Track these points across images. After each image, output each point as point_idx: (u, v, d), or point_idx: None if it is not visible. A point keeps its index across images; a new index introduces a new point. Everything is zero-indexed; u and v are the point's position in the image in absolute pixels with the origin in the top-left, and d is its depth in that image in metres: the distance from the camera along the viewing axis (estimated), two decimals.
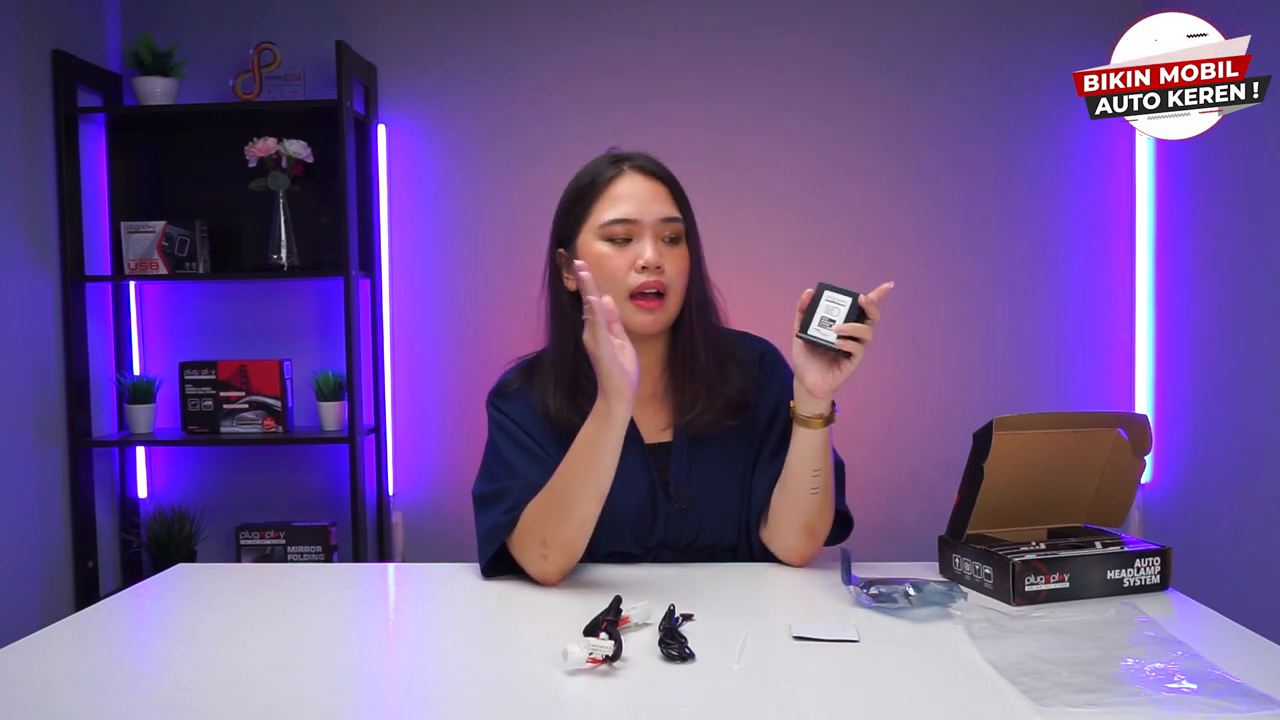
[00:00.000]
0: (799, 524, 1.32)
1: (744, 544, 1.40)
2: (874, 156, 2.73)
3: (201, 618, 1.22)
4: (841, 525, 1.38)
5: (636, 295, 1.31)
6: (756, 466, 1.39)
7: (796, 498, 1.31)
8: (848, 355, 1.24)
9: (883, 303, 1.25)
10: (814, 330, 1.25)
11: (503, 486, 1.32)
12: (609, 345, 1.18)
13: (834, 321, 1.24)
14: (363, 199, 2.69)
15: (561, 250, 1.39)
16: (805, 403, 1.28)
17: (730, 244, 2.59)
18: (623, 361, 1.20)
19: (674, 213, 1.34)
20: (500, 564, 1.30)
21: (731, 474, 1.39)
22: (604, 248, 1.33)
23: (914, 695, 0.92)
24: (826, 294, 1.25)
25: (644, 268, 1.30)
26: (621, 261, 1.32)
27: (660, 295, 1.31)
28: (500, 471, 1.35)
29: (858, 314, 1.23)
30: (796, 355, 1.28)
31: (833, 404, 1.29)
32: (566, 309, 1.37)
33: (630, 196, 1.33)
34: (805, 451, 1.29)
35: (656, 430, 1.40)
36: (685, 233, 1.35)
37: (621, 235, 1.32)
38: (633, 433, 1.37)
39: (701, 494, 1.38)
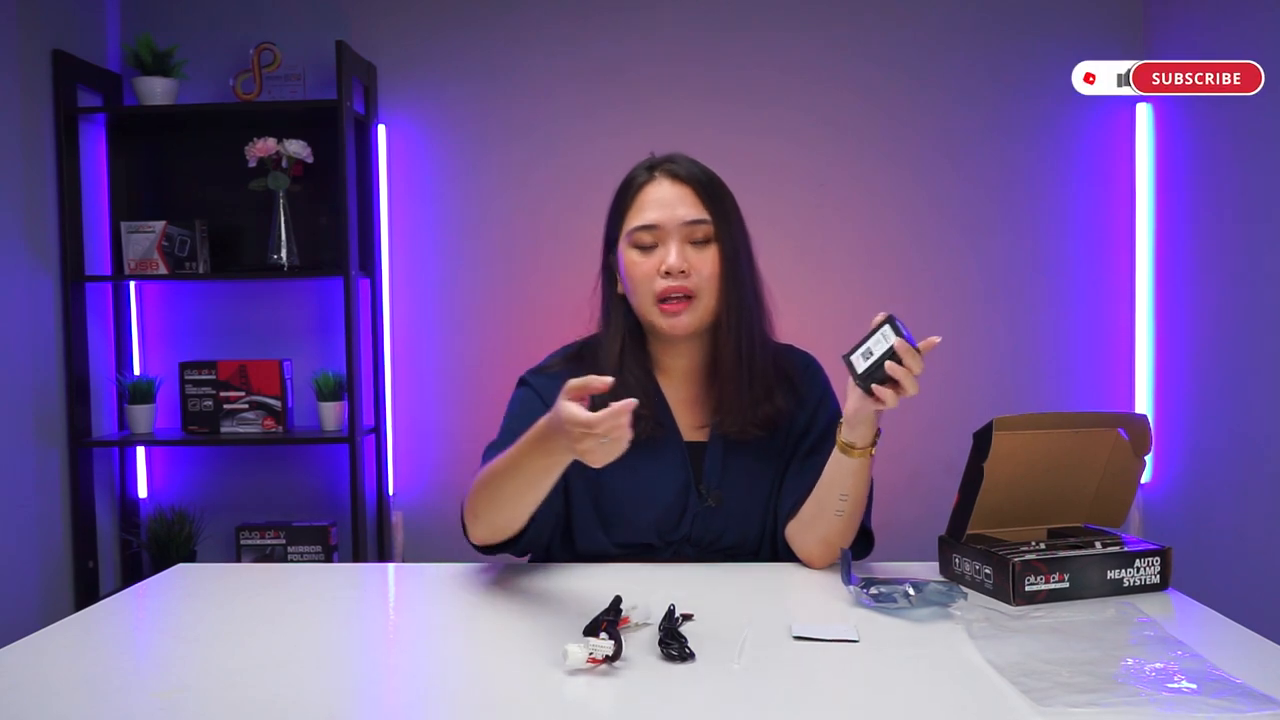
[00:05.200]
0: (819, 536, 1.33)
1: (766, 547, 1.41)
2: (874, 156, 2.73)
3: (201, 618, 1.22)
4: (863, 542, 1.38)
5: (662, 299, 1.33)
6: (789, 469, 1.40)
7: (822, 511, 1.31)
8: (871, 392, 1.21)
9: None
10: (853, 357, 1.23)
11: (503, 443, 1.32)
12: (612, 452, 1.07)
13: (872, 355, 1.21)
14: (363, 199, 2.68)
15: (610, 254, 1.42)
16: (843, 428, 1.28)
17: None
18: (595, 457, 1.08)
19: (699, 215, 1.35)
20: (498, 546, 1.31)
21: (762, 478, 1.41)
22: (634, 254, 1.36)
23: (914, 695, 0.92)
24: (884, 328, 1.21)
25: (667, 273, 1.32)
26: (648, 267, 1.34)
27: (687, 298, 1.33)
28: (507, 439, 1.32)
29: (894, 357, 1.19)
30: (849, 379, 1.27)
31: (875, 437, 1.27)
32: (617, 310, 1.40)
33: (656, 203, 1.35)
34: (835, 471, 1.30)
35: (694, 429, 1.41)
36: (716, 234, 1.35)
37: (648, 242, 1.35)
38: (671, 430, 1.40)
39: (731, 495, 1.39)
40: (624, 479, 1.36)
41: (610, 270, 1.42)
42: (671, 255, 1.33)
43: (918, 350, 1.20)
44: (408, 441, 2.82)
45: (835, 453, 1.29)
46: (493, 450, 1.35)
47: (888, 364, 1.19)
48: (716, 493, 1.39)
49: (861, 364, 1.22)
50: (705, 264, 1.34)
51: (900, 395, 1.21)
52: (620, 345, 1.39)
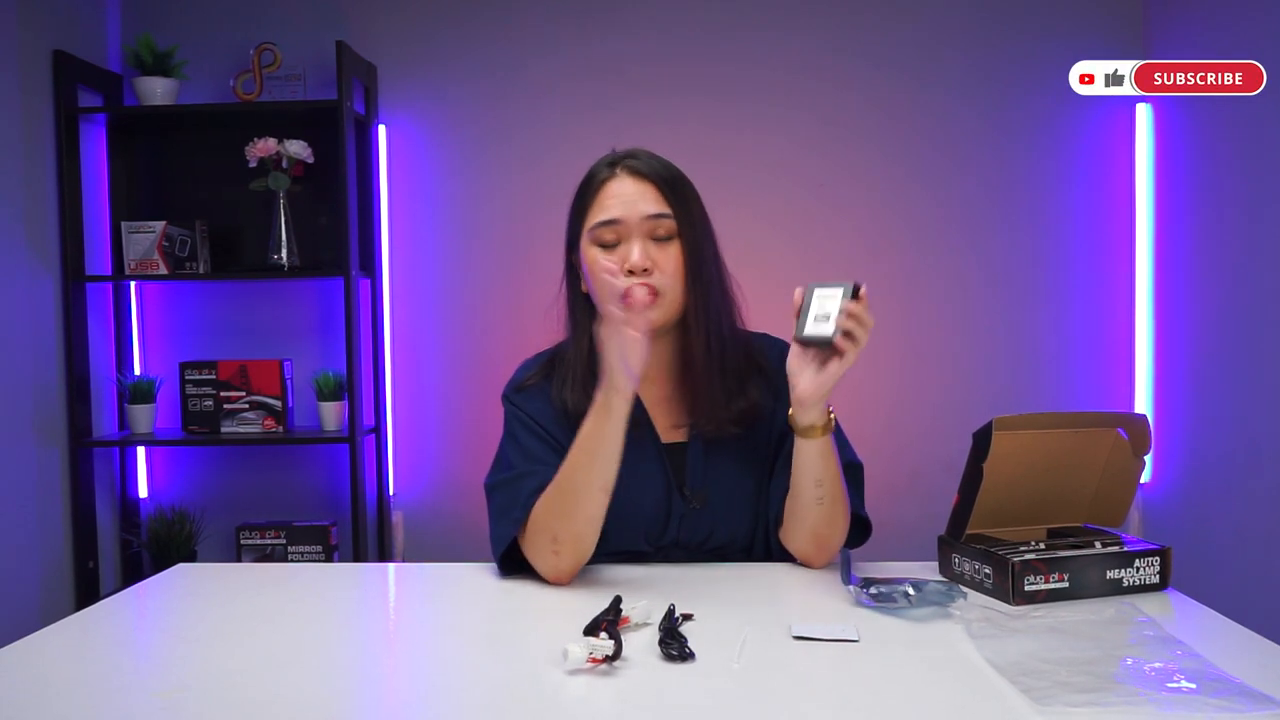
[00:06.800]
0: (807, 532, 1.32)
1: (759, 544, 1.40)
2: (874, 156, 2.73)
3: (201, 618, 1.22)
4: (860, 530, 1.37)
5: (625, 297, 1.30)
6: (775, 470, 1.39)
7: (803, 506, 1.30)
8: (840, 353, 1.21)
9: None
10: (809, 330, 1.23)
11: (518, 473, 1.32)
12: (619, 338, 1.20)
13: (829, 316, 1.21)
14: (363, 199, 2.69)
15: (573, 254, 1.39)
16: (798, 412, 1.27)
17: (729, 244, 2.58)
18: (628, 358, 1.20)
19: (660, 209, 1.32)
20: (516, 564, 1.30)
21: (747, 476, 1.39)
22: (595, 252, 1.33)
23: (914, 695, 0.92)
24: (816, 291, 1.23)
25: (630, 271, 1.30)
26: (611, 265, 1.31)
27: (651, 295, 1.31)
28: (518, 459, 1.35)
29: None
30: (791, 362, 1.27)
31: (829, 413, 1.28)
32: (582, 309, 1.38)
33: (617, 198, 1.32)
34: (804, 461, 1.28)
35: (672, 430, 1.39)
36: (679, 229, 1.32)
37: (610, 239, 1.32)
38: (649, 432, 1.38)
39: (716, 494, 1.38)
40: None
41: (574, 269, 1.39)
42: (634, 253, 1.30)
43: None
44: (408, 441, 2.82)
45: (798, 443, 1.28)
46: (499, 479, 1.34)
47: (850, 309, 1.19)
48: (700, 493, 1.37)
49: (827, 328, 1.21)
50: (669, 261, 1.32)
51: (856, 347, 1.21)
52: (589, 345, 1.36)
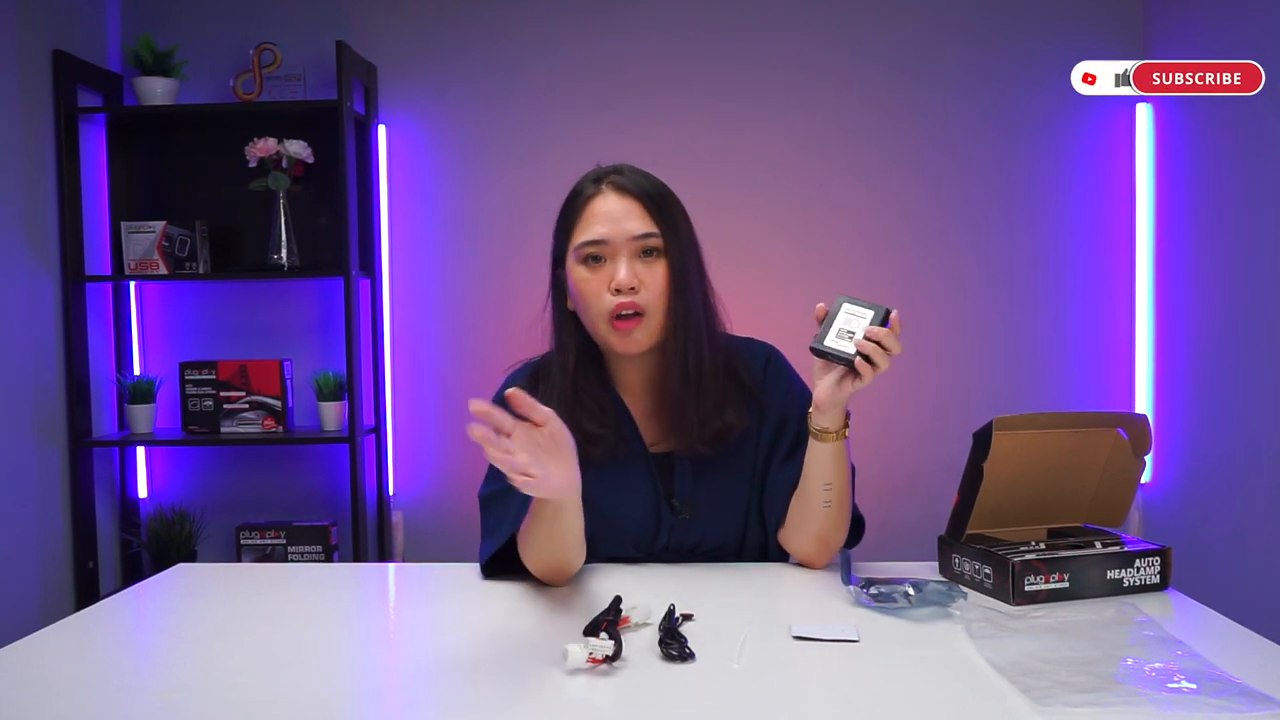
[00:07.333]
0: (813, 533, 1.32)
1: (749, 549, 1.40)
2: (874, 156, 2.73)
3: (201, 618, 1.22)
4: (854, 529, 1.37)
5: (614, 317, 1.31)
6: (769, 472, 1.38)
7: (810, 508, 1.31)
8: (857, 373, 1.21)
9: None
10: (830, 342, 1.22)
11: (505, 486, 1.32)
12: (531, 487, 1.07)
13: (853, 334, 1.21)
14: (363, 199, 2.69)
15: (560, 270, 1.39)
16: (814, 415, 1.28)
17: (729, 244, 2.59)
18: (554, 485, 1.11)
19: (647, 229, 1.31)
20: (500, 570, 1.31)
21: (736, 483, 1.39)
22: (582, 271, 1.33)
23: (914, 695, 0.92)
24: (845, 306, 1.23)
25: (617, 290, 1.30)
26: (598, 284, 1.31)
27: (638, 315, 1.30)
28: (497, 471, 1.34)
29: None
30: (815, 366, 1.27)
31: (847, 417, 1.29)
32: (567, 326, 1.38)
33: (604, 217, 1.32)
34: (815, 463, 1.29)
35: (660, 441, 1.39)
36: (665, 248, 1.32)
37: (595, 256, 1.32)
38: (637, 443, 1.38)
39: (705, 503, 1.38)
40: (599, 498, 1.32)
41: (559, 286, 1.39)
42: (621, 271, 1.29)
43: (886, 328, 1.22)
44: (408, 441, 2.82)
45: (811, 444, 1.29)
46: (491, 490, 1.35)
47: (868, 337, 1.20)
48: (690, 504, 1.37)
49: (847, 347, 1.21)
50: (655, 279, 1.31)
51: (875, 371, 1.21)
52: (575, 363, 1.36)
